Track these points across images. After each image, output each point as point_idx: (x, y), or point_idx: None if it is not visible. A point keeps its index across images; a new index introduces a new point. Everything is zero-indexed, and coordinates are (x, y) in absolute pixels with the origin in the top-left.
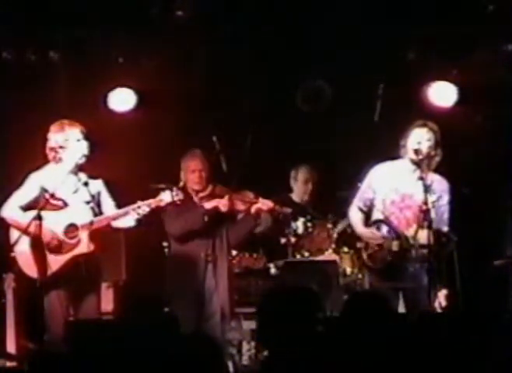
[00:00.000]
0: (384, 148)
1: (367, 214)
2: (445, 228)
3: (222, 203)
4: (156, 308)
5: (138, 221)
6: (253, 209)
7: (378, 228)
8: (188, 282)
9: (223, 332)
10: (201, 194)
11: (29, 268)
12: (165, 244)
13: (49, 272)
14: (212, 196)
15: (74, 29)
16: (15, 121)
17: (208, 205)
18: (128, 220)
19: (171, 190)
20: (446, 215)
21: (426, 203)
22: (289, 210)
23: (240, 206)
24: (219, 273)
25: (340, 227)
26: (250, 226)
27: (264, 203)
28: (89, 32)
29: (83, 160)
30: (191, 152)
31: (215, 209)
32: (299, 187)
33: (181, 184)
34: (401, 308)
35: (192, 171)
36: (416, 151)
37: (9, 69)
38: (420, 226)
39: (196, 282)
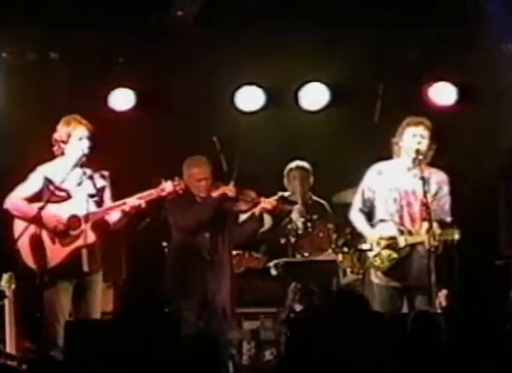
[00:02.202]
0: (384, 148)
1: (369, 214)
2: (448, 219)
3: (229, 189)
4: (155, 309)
5: (141, 212)
6: (257, 210)
7: (383, 228)
8: (190, 282)
9: (224, 333)
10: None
11: (31, 263)
12: (164, 244)
13: (52, 263)
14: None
15: (74, 29)
16: (15, 121)
17: (215, 193)
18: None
19: (172, 180)
20: (447, 206)
21: (426, 202)
22: (290, 207)
23: (243, 205)
24: (222, 274)
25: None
26: (254, 227)
27: (268, 203)
28: (89, 32)
29: (83, 158)
30: (197, 160)
31: (223, 196)
32: (290, 185)
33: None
34: (405, 309)
35: (198, 180)
36: (418, 151)
37: (9, 69)
38: (424, 221)
39: (198, 282)
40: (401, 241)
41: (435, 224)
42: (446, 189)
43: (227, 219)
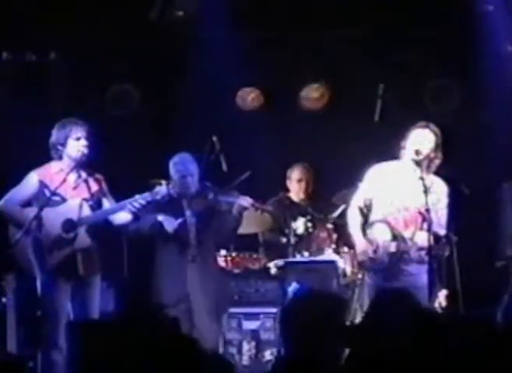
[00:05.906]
0: (384, 148)
1: (366, 214)
2: (442, 232)
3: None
4: (156, 309)
5: (135, 215)
6: (234, 209)
7: (378, 229)
8: (173, 282)
9: (212, 332)
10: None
11: (30, 265)
12: None
13: (50, 265)
14: (198, 195)
15: (74, 29)
16: (15, 121)
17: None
18: (125, 215)
19: (167, 184)
20: (443, 219)
21: (425, 204)
22: (269, 207)
23: (225, 206)
24: (206, 273)
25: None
26: (232, 225)
27: (243, 199)
28: (89, 32)
29: (83, 159)
30: (180, 157)
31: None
32: (294, 186)
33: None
34: None
35: (183, 176)
36: (417, 151)
37: (9, 69)
38: (418, 227)
39: (180, 282)
40: (393, 247)
41: (424, 233)
42: (445, 201)
43: (212, 217)
